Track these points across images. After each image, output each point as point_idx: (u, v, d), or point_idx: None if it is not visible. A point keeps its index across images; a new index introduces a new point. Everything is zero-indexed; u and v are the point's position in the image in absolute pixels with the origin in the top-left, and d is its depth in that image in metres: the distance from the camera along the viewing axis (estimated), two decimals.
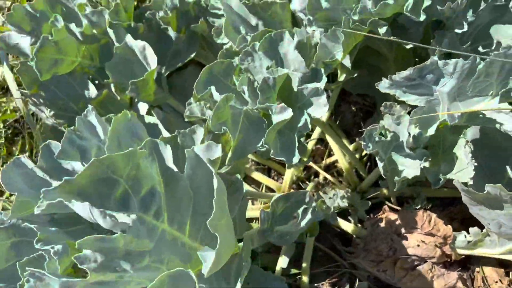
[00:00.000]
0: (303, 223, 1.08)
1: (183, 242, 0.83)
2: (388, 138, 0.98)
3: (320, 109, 0.96)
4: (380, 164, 1.05)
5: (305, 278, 1.20)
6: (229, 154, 1.02)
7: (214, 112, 0.92)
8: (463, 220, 1.26)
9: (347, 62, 1.23)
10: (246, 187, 1.39)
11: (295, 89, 1.00)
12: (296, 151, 0.96)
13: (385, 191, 1.34)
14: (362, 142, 0.99)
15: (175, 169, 0.79)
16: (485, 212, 0.99)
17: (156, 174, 0.78)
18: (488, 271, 1.20)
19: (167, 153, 0.79)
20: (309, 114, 0.96)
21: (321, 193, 1.13)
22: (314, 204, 1.10)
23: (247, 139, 1.02)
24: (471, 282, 1.20)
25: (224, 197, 0.85)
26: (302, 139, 0.98)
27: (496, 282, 1.18)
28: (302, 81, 1.00)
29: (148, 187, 0.79)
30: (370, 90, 1.41)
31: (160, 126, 1.01)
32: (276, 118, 0.95)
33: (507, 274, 1.20)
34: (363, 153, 1.44)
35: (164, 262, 0.80)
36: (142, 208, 0.78)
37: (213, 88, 0.99)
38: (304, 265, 1.21)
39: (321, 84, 0.99)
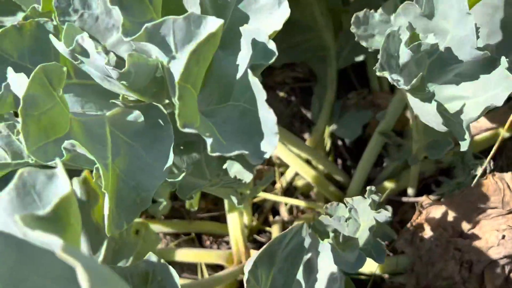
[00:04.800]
0: None
1: None
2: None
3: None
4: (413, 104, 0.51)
5: None
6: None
7: None
8: None
9: None
10: None
11: None
12: (269, 128, 0.38)
13: (389, 184, 0.82)
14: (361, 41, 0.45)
15: None
16: None
17: None
18: None
19: None
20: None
21: (322, 220, 0.55)
22: (326, 245, 0.52)
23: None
24: None
25: None
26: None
27: None
28: None
29: None
30: (298, 53, 0.91)
31: None
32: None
33: None
34: (327, 149, 0.92)
35: None
36: None
37: None
38: None
39: None
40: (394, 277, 0.72)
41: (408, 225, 0.72)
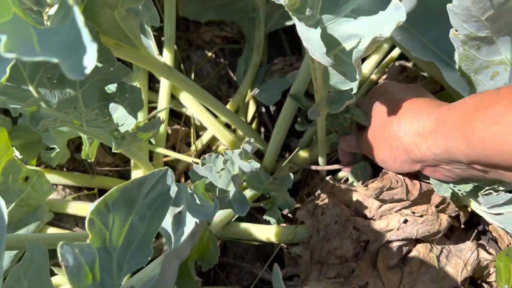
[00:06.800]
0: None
1: None
2: None
3: None
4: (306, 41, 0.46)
5: None
6: None
7: None
8: None
9: None
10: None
11: None
12: (86, 42, 0.34)
13: (304, 154, 0.79)
14: None
15: None
16: None
17: None
18: None
19: None
20: None
21: (195, 169, 0.50)
22: (188, 191, 0.48)
23: None
24: (495, 243, 0.70)
25: None
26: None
27: None
28: None
29: None
30: (228, 12, 0.87)
31: None
32: None
33: None
34: (249, 115, 0.88)
35: None
36: None
37: None
38: None
39: None
40: (292, 247, 0.69)
41: (310, 196, 0.69)
